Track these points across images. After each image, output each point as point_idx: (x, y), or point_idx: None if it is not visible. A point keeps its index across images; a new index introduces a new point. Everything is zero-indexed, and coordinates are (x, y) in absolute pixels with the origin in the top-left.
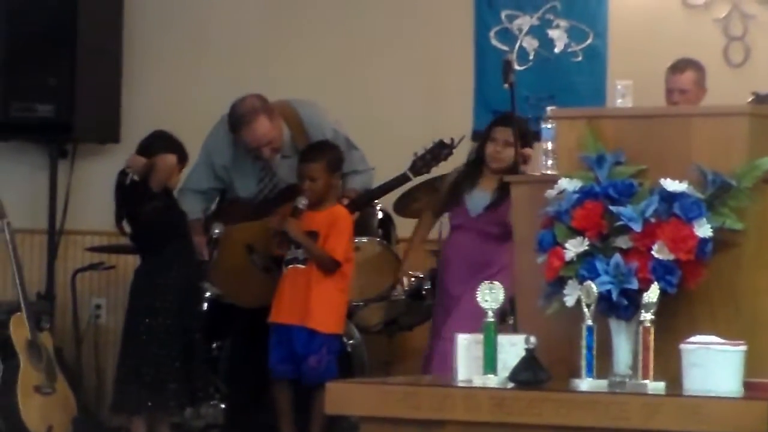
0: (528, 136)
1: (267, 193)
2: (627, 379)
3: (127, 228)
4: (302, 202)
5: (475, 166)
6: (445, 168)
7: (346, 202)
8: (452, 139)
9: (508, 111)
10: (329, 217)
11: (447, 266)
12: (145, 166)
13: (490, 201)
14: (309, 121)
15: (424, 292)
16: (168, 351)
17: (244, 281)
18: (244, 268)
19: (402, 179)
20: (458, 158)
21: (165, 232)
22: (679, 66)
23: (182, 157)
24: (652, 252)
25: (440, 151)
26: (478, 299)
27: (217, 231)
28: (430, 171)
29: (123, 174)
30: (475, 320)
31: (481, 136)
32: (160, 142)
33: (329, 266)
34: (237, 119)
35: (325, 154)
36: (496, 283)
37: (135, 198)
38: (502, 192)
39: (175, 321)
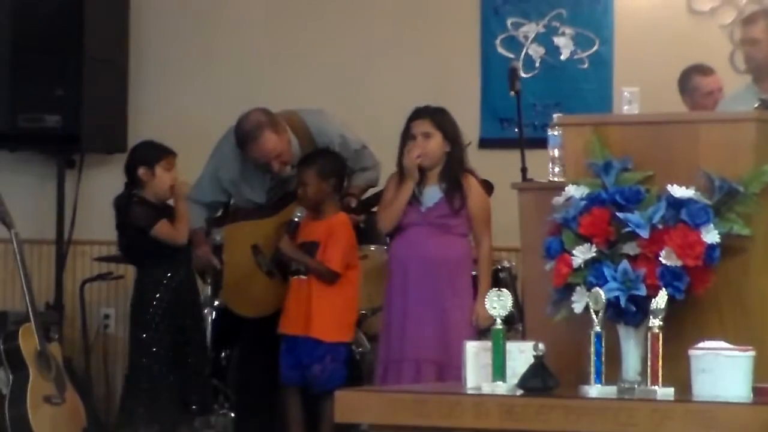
0: (446, 124)
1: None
2: (636, 386)
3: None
4: (297, 215)
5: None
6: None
7: (354, 202)
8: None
9: (424, 105)
10: (328, 226)
11: (399, 266)
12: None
13: (443, 194)
14: (316, 129)
15: None
16: (161, 364)
17: (245, 286)
18: (248, 271)
19: None
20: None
21: (157, 243)
22: (708, 69)
23: (161, 155)
24: (660, 258)
25: None
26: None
27: (218, 238)
28: None
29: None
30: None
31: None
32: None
33: (327, 278)
34: (243, 135)
35: (316, 160)
36: (504, 290)
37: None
38: (450, 183)
39: (167, 334)
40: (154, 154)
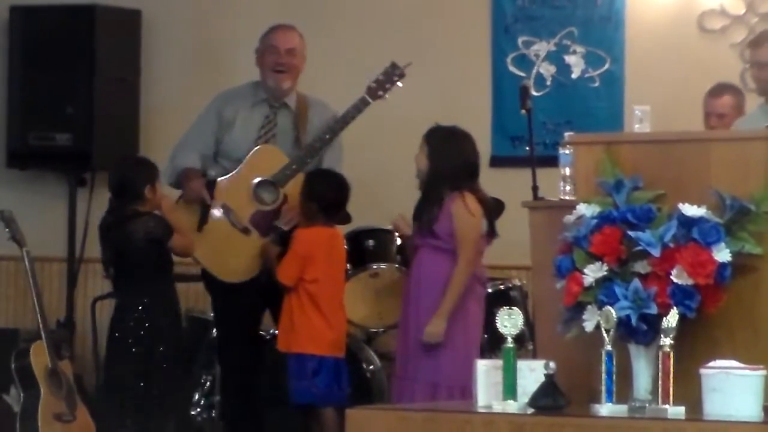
0: (430, 142)
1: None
2: (647, 404)
3: None
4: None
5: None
6: None
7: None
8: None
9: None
10: (298, 236)
11: (408, 288)
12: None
13: (431, 215)
14: (315, 99)
15: None
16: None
17: (224, 248)
18: (224, 233)
19: (361, 104)
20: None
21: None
22: (717, 90)
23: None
24: (671, 277)
25: (392, 71)
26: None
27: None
28: (386, 93)
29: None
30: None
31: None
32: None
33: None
34: (278, 24)
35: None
36: (515, 308)
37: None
38: (432, 204)
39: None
40: (153, 171)
